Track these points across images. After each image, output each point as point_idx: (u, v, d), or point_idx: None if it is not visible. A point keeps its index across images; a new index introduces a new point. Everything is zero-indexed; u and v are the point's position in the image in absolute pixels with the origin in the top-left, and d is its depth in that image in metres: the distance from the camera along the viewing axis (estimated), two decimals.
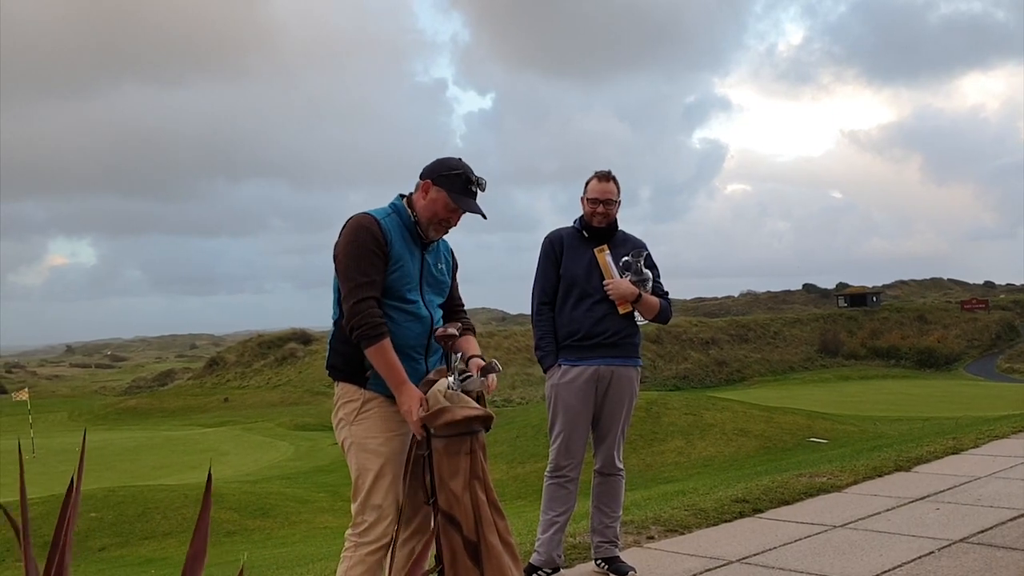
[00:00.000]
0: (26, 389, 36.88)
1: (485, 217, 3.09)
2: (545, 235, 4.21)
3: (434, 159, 3.15)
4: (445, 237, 3.23)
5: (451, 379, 2.94)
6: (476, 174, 3.10)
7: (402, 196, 3.15)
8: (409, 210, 3.10)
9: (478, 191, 3.10)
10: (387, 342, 2.94)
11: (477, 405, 2.91)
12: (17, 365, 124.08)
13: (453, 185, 3.04)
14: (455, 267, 3.36)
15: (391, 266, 3.01)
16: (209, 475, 1.47)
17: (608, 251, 4.03)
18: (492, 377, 3.02)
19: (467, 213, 3.10)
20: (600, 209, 4.03)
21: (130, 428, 46.52)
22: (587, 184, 4.10)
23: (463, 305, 3.40)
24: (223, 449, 32.30)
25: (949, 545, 4.23)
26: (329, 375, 3.14)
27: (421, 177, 3.11)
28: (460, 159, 3.13)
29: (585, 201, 4.09)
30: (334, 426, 3.12)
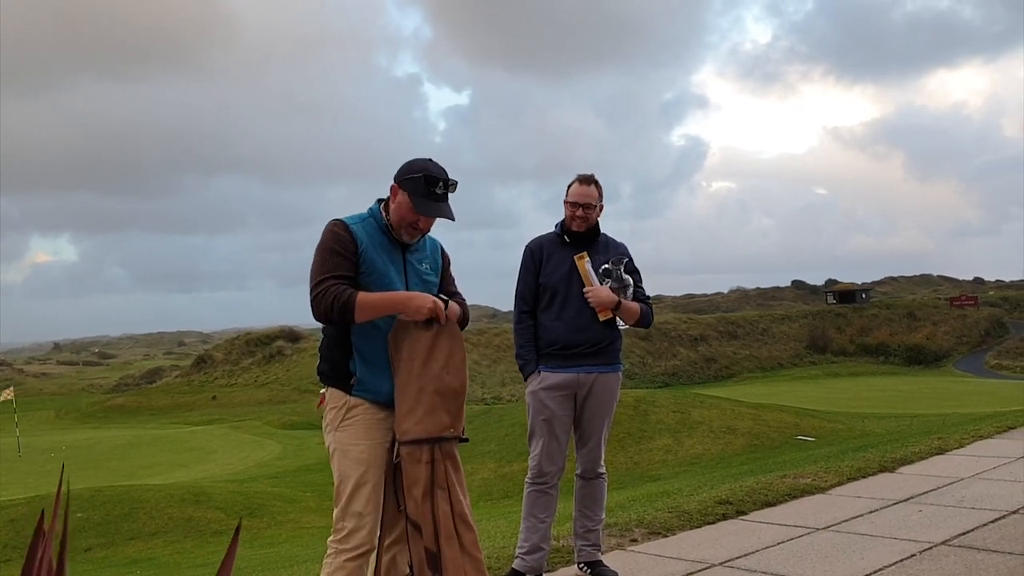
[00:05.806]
0: (11, 389, 36.58)
1: (453, 219, 2.99)
2: (527, 239, 4.17)
3: (405, 160, 3.06)
4: (431, 234, 3.16)
5: None
6: (444, 175, 2.98)
7: (380, 201, 3.10)
8: (384, 214, 3.05)
9: (447, 192, 2.98)
10: (361, 296, 2.87)
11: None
12: (4, 363, 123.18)
13: (415, 188, 2.95)
14: (446, 264, 3.28)
15: (361, 269, 2.96)
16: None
17: (588, 258, 3.97)
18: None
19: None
20: (580, 213, 3.99)
21: (118, 426, 46.24)
22: (569, 187, 4.05)
23: (457, 293, 3.31)
24: (211, 447, 32.15)
25: (930, 548, 4.22)
26: (320, 380, 3.12)
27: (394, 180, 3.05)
28: (428, 160, 3.02)
29: (566, 204, 4.05)
30: (323, 430, 3.12)
